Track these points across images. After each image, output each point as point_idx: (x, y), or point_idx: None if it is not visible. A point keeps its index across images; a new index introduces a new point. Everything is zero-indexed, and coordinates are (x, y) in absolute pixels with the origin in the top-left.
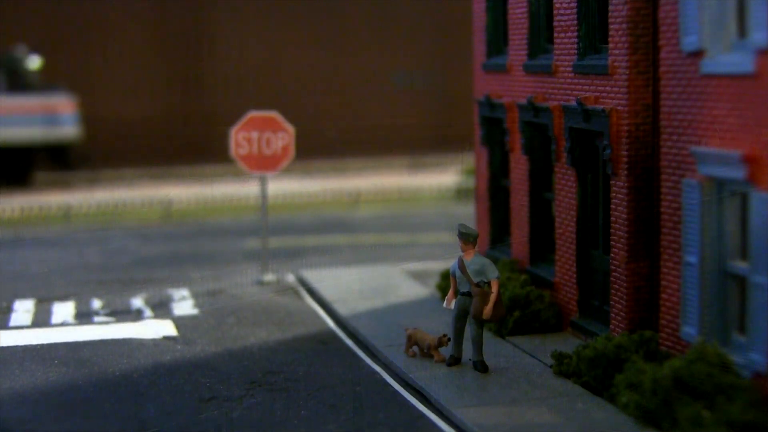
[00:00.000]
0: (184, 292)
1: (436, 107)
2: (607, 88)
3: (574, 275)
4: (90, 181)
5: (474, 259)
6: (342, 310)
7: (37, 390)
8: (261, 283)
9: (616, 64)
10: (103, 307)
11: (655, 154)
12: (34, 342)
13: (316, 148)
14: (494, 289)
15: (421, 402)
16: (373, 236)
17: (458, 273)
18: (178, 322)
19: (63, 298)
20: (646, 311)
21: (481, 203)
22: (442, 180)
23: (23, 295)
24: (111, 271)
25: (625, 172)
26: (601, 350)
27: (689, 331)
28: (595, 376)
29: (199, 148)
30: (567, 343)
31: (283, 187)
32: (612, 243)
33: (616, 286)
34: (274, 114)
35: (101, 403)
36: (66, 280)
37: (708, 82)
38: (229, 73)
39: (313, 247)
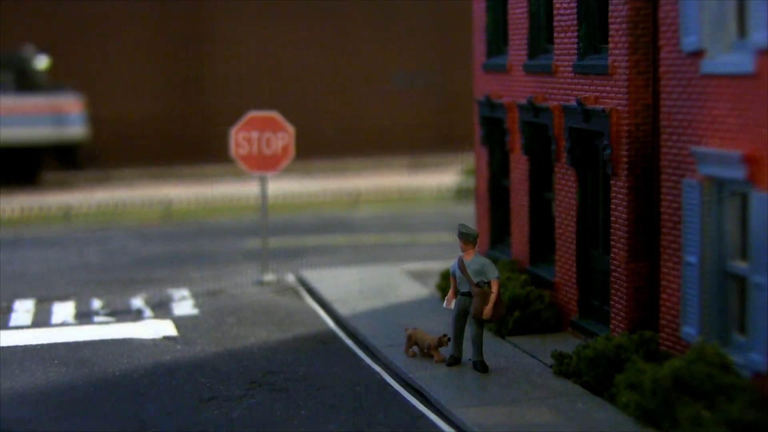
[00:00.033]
0: (184, 292)
1: (436, 107)
2: (607, 88)
3: (574, 275)
4: (90, 181)
5: (474, 259)
6: (342, 310)
7: (37, 390)
8: (261, 283)
9: (616, 64)
10: (103, 307)
11: (655, 154)
12: (34, 342)
13: (316, 148)
14: (494, 289)
15: (421, 402)
16: (373, 236)
17: (458, 273)
18: (178, 322)
19: (63, 298)
20: (646, 311)
21: (481, 203)
22: (442, 180)
23: (23, 295)
24: (111, 271)
25: (625, 172)
26: (601, 350)
27: (689, 331)
28: (595, 376)
29: (199, 148)
30: (567, 343)
31: (283, 187)
32: (612, 243)
33: (616, 286)
34: (274, 114)
35: (101, 403)
36: (66, 280)
37: (708, 82)
38: (229, 73)
39: (313, 247)
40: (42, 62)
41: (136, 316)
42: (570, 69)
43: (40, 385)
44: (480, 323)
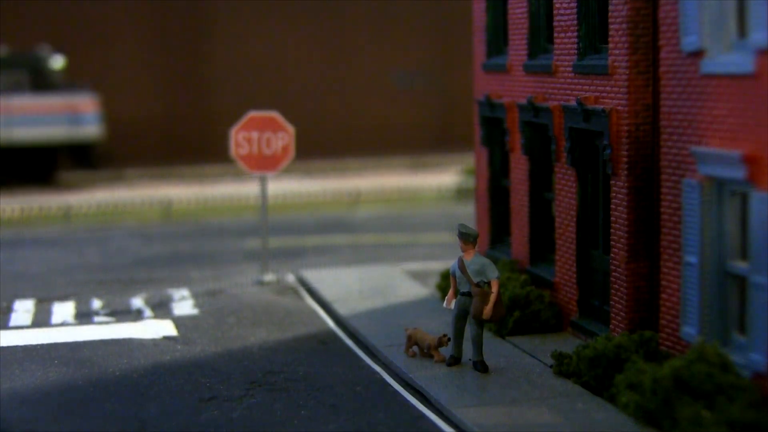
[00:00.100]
0: (184, 292)
1: (436, 107)
2: (607, 88)
3: (574, 275)
4: (90, 181)
5: (474, 259)
6: (342, 310)
7: (37, 390)
8: (261, 283)
9: (616, 64)
10: (103, 307)
11: (655, 154)
12: (34, 342)
13: (316, 148)
14: (494, 289)
15: (421, 402)
16: (373, 236)
17: (458, 273)
18: (178, 322)
19: (63, 298)
20: (646, 311)
21: (481, 203)
22: (442, 180)
23: (23, 295)
24: (111, 271)
25: (625, 172)
26: (601, 350)
27: (689, 331)
28: (595, 376)
29: (199, 148)
30: (567, 343)
31: (283, 187)
32: (612, 243)
33: (616, 286)
34: (274, 114)
35: (101, 403)
36: (66, 280)
37: (708, 82)
38: (229, 73)
39: (313, 247)
40: (57, 62)
41: (136, 316)
42: (570, 69)
43: (40, 385)
44: (480, 323)
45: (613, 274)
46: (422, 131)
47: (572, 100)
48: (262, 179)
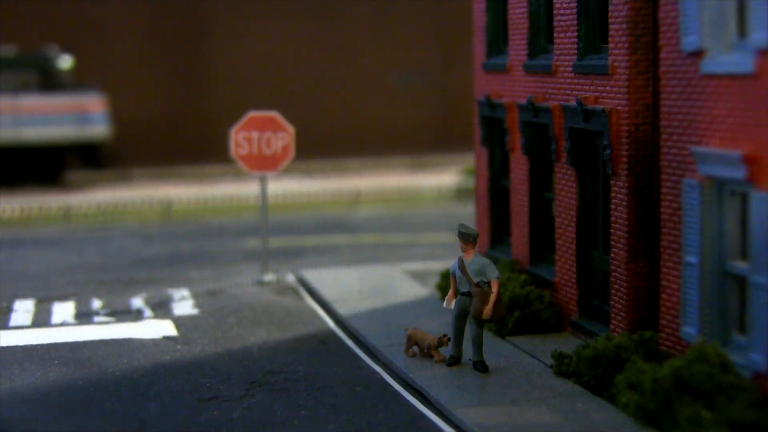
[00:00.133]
0: (184, 292)
1: (436, 107)
2: (607, 88)
3: (574, 275)
4: (88, 181)
5: (474, 259)
6: (342, 310)
7: (37, 390)
8: (261, 283)
9: (616, 64)
10: (103, 307)
11: (655, 154)
12: (34, 342)
13: (316, 148)
14: (494, 289)
15: (421, 402)
16: (373, 236)
17: (458, 273)
18: (178, 322)
19: (63, 298)
20: (646, 311)
21: (481, 203)
22: (442, 180)
23: (23, 295)
24: (111, 271)
25: (625, 172)
26: (601, 350)
27: (689, 331)
28: (595, 376)
29: (199, 148)
30: (567, 343)
31: (283, 187)
32: (612, 243)
33: (616, 286)
34: (274, 114)
35: (101, 403)
36: (66, 280)
37: (708, 82)
38: (229, 73)
39: (313, 247)
40: (66, 62)
41: (136, 316)
42: (570, 69)
43: (40, 385)
44: (480, 323)
45: (613, 274)
46: (422, 131)
47: (572, 100)
48: (262, 179)
